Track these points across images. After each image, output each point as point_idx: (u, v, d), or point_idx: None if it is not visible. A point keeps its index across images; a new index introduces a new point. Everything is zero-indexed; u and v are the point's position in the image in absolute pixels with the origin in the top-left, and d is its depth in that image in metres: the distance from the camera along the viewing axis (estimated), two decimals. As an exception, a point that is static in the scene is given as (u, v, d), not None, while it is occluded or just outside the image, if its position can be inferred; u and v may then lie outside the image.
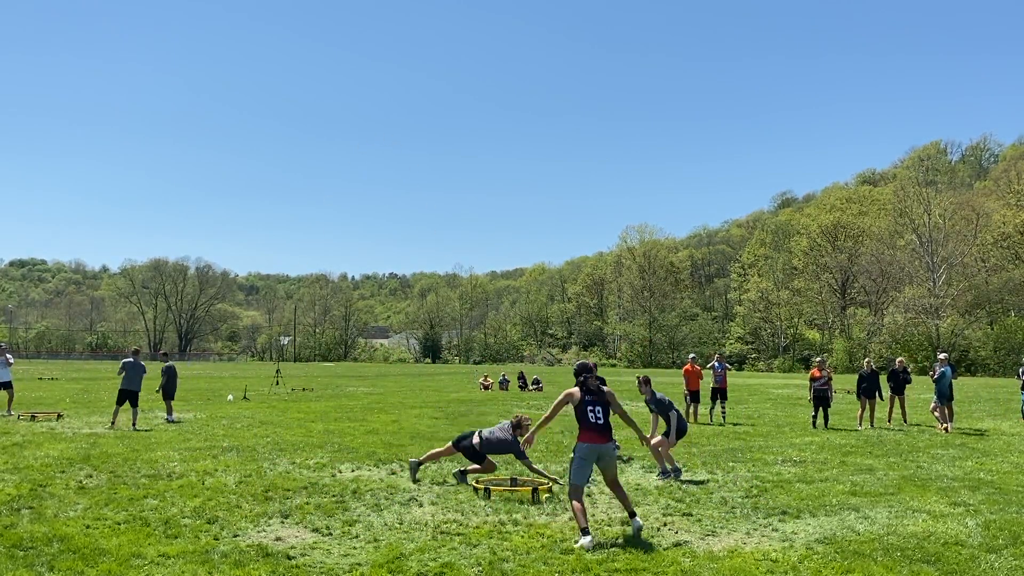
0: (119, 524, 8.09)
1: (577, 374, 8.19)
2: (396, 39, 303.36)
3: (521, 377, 38.34)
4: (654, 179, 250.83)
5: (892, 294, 79.28)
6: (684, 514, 9.00)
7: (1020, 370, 17.06)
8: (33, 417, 19.51)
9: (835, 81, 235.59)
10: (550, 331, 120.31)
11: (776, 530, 8.22)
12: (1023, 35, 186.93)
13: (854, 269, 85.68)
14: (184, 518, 8.43)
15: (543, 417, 8.66)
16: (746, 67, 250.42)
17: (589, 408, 7.95)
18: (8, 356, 21.05)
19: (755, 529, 8.26)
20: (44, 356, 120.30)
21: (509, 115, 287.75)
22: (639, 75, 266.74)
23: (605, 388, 8.22)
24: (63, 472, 11.34)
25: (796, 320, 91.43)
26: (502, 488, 10.18)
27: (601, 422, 7.93)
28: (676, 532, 8.14)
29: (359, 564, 6.83)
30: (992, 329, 68.96)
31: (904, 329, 72.82)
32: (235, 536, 7.72)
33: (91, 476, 11.02)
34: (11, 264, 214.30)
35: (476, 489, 10.21)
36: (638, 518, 8.12)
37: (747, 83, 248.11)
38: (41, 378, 40.29)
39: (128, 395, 18.07)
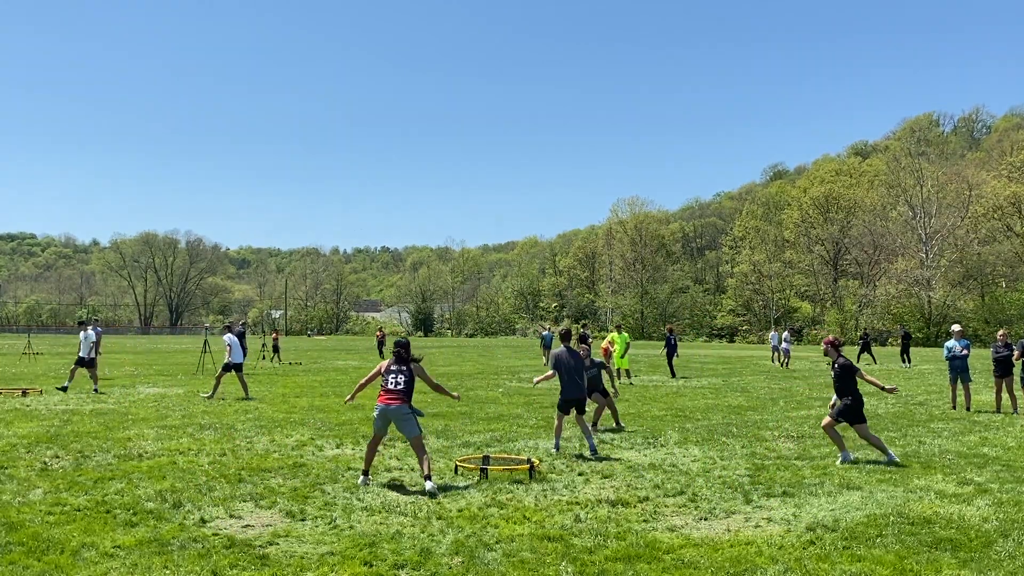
0: (77, 510, 7.57)
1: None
2: (381, 20, 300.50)
3: None
4: (647, 152, 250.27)
5: (884, 265, 78.80)
6: (678, 494, 8.54)
7: (1020, 342, 16.56)
8: None
9: (827, 53, 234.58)
10: (542, 304, 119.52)
11: (777, 512, 7.76)
12: (1015, 7, 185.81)
13: (846, 241, 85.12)
14: (148, 503, 7.92)
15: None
16: (738, 40, 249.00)
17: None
18: None
19: (754, 511, 7.79)
20: (34, 330, 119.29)
21: (500, 88, 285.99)
22: (631, 49, 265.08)
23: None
24: (28, 452, 10.82)
25: (788, 292, 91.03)
26: (499, 468, 9.68)
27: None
28: (671, 515, 7.68)
29: (331, 553, 6.34)
30: (983, 300, 68.72)
31: (896, 300, 72.54)
32: (201, 523, 7.22)
33: (57, 457, 10.51)
34: (0, 238, 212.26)
35: (457, 468, 9.74)
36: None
37: (739, 56, 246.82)
38: (25, 352, 39.56)
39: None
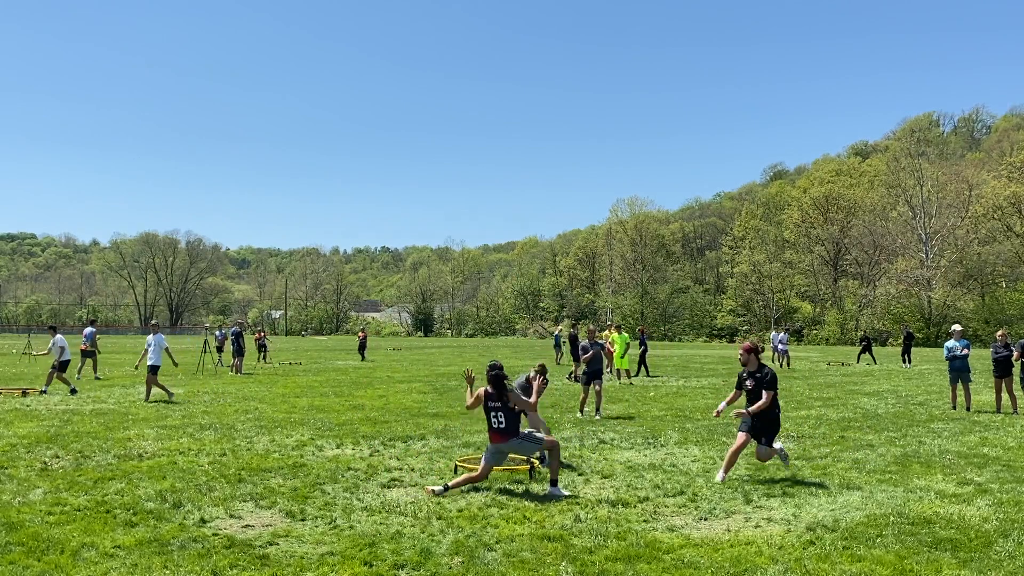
0: (77, 510, 7.58)
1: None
2: (381, 20, 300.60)
3: None
4: (647, 152, 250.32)
5: (884, 266, 78.83)
6: (678, 494, 8.54)
7: (1020, 343, 16.55)
8: None
9: (827, 53, 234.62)
10: (542, 304, 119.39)
11: (777, 512, 7.76)
12: (1015, 7, 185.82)
13: (846, 241, 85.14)
14: (148, 502, 7.92)
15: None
16: (738, 40, 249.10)
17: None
18: None
19: (754, 511, 7.80)
20: (34, 331, 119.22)
21: (499, 88, 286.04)
22: (631, 49, 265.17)
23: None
24: (28, 452, 10.83)
25: (788, 292, 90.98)
26: (500, 467, 9.67)
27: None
28: (671, 515, 7.68)
29: (331, 553, 6.34)
30: (983, 301, 68.72)
31: (896, 301, 72.56)
32: (201, 522, 7.23)
33: (57, 457, 10.51)
34: (0, 238, 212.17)
35: (457, 468, 9.73)
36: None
37: (739, 56, 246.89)
38: (26, 352, 39.56)
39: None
